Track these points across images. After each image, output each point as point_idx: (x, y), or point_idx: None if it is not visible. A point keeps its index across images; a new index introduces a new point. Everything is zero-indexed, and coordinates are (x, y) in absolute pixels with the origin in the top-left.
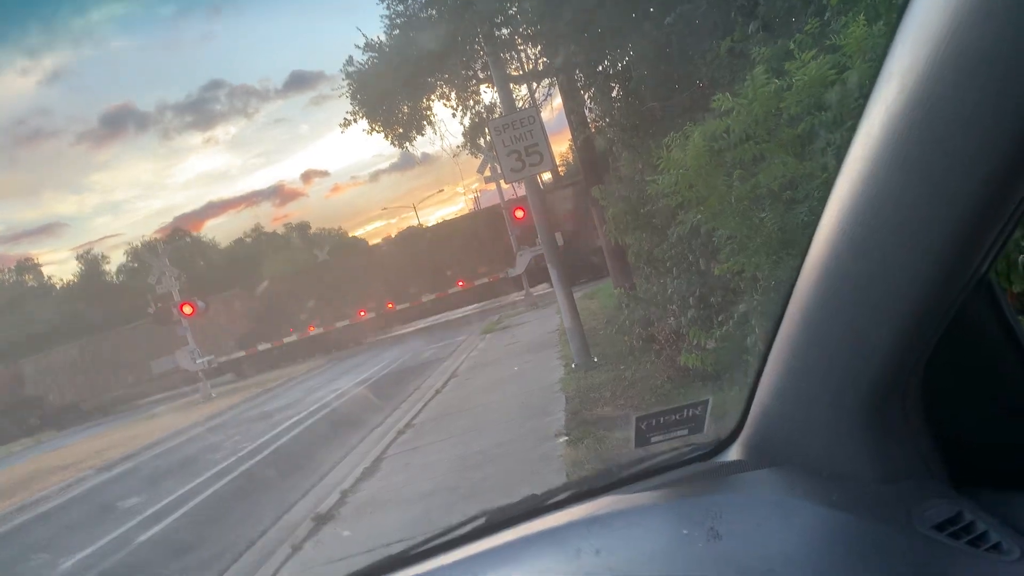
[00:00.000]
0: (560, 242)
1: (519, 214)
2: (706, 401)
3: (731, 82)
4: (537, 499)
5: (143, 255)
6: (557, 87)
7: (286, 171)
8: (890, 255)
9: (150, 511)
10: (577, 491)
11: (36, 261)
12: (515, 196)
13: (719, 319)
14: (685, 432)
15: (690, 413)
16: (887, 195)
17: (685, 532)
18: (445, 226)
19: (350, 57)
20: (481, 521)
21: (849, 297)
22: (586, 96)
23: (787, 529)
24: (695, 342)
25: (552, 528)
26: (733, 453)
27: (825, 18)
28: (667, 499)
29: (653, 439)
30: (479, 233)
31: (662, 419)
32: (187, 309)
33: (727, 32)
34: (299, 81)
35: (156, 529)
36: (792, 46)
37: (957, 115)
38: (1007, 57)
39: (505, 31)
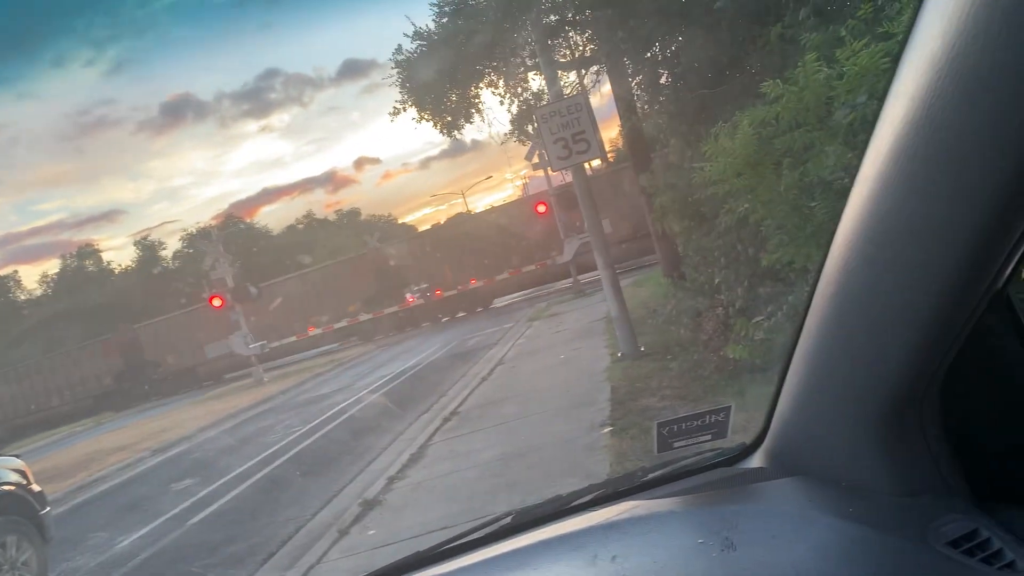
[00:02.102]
0: (608, 229)
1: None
2: (729, 407)
3: (781, 68)
4: (562, 500)
5: (197, 241)
6: (606, 73)
7: (339, 158)
8: (901, 273)
9: (201, 494)
10: (601, 494)
11: (96, 247)
12: (564, 182)
13: (768, 310)
14: (708, 437)
15: (713, 419)
16: (896, 214)
17: (700, 541)
18: (493, 212)
19: (399, 46)
20: (507, 521)
21: (864, 312)
22: (634, 83)
23: (802, 541)
24: (743, 333)
25: (573, 532)
26: (756, 460)
27: (879, 3)
28: (686, 506)
29: (676, 444)
30: (527, 220)
31: (684, 424)
32: (240, 294)
33: (778, 17)
34: (352, 69)
35: (207, 512)
36: (844, 33)
37: (960, 138)
38: (1007, 83)
39: (553, 17)
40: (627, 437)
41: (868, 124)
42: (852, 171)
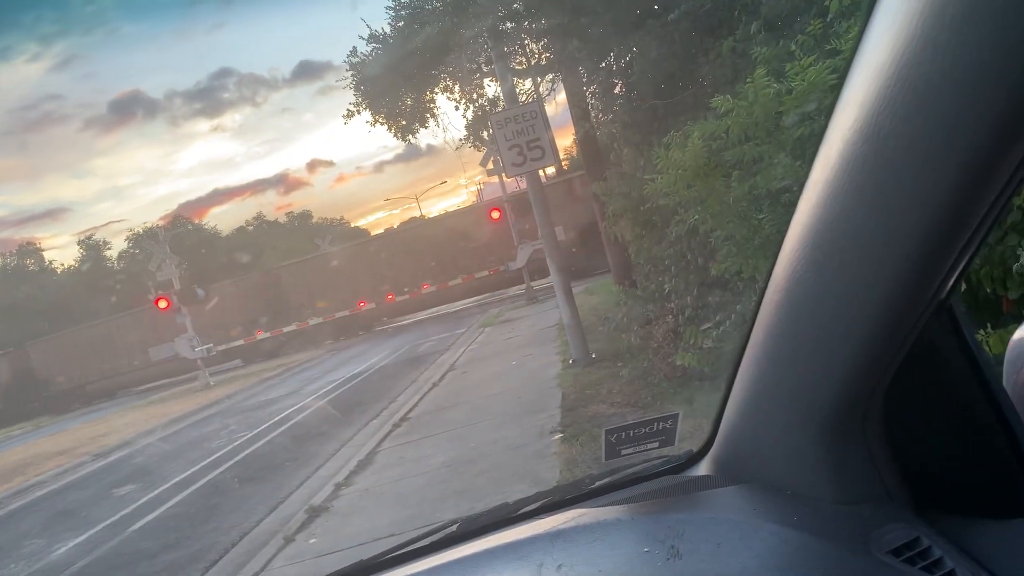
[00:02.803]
0: (562, 236)
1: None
2: (676, 415)
3: (733, 81)
4: (508, 508)
5: (144, 242)
6: (561, 81)
7: (292, 160)
8: (847, 279)
9: (143, 500)
10: (548, 501)
11: (38, 246)
12: (519, 188)
13: (717, 319)
14: (656, 445)
15: (660, 426)
16: (844, 221)
17: (646, 550)
18: (447, 218)
19: (354, 48)
20: (453, 529)
21: (809, 320)
22: (588, 91)
23: (746, 549)
24: (692, 341)
25: (519, 540)
26: (703, 468)
27: (828, 20)
28: (632, 514)
29: (624, 451)
30: (481, 225)
31: (632, 432)
32: (187, 296)
33: (730, 31)
34: (307, 71)
35: (150, 517)
36: (794, 48)
37: (909, 147)
38: (955, 92)
39: (509, 25)
40: (577, 444)
41: (817, 134)
42: (801, 181)
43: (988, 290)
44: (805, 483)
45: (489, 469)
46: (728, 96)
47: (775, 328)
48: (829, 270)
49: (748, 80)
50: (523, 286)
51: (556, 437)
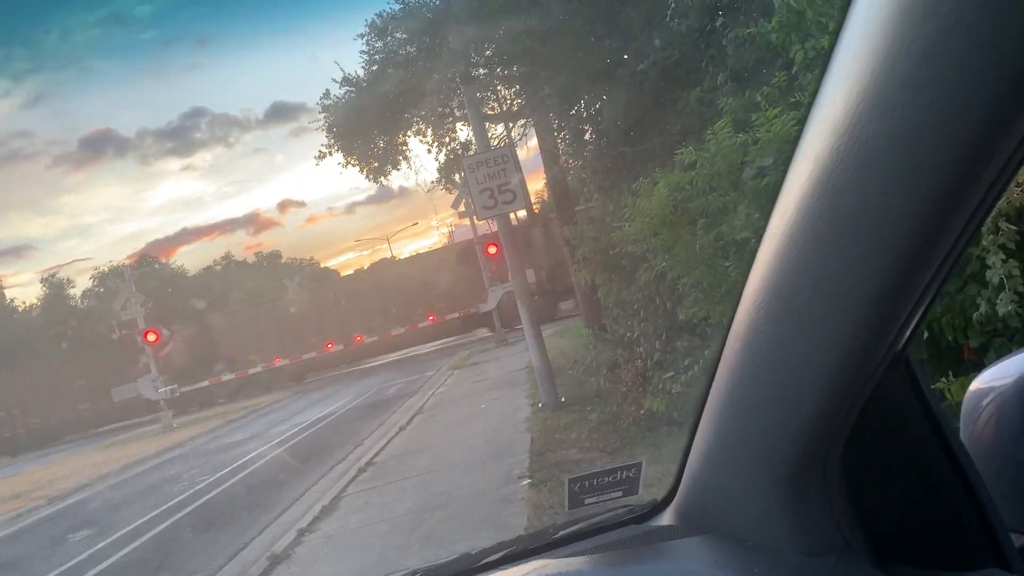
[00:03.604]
0: (532, 279)
1: (492, 250)
2: (639, 464)
3: (701, 130)
4: (470, 559)
5: (109, 280)
6: (533, 127)
7: (263, 200)
8: (804, 332)
9: (100, 545)
10: (510, 552)
11: (0, 284)
12: (490, 231)
13: (685, 363)
14: (619, 494)
15: (624, 475)
16: (801, 273)
17: None
18: (418, 259)
19: (327, 91)
20: None
21: (767, 371)
22: (559, 137)
23: None
24: (661, 386)
25: None
26: (666, 517)
27: (793, 71)
28: (595, 565)
29: (587, 501)
30: (451, 267)
31: (596, 480)
32: (151, 337)
33: (697, 81)
34: (280, 112)
35: (105, 565)
36: (759, 98)
37: (862, 202)
38: (905, 151)
39: (482, 71)
40: (545, 489)
41: (775, 186)
42: (759, 233)
43: (950, 338)
44: (766, 534)
45: (456, 515)
46: (691, 148)
47: (735, 378)
48: (786, 322)
49: (710, 133)
50: (494, 328)
51: (524, 483)
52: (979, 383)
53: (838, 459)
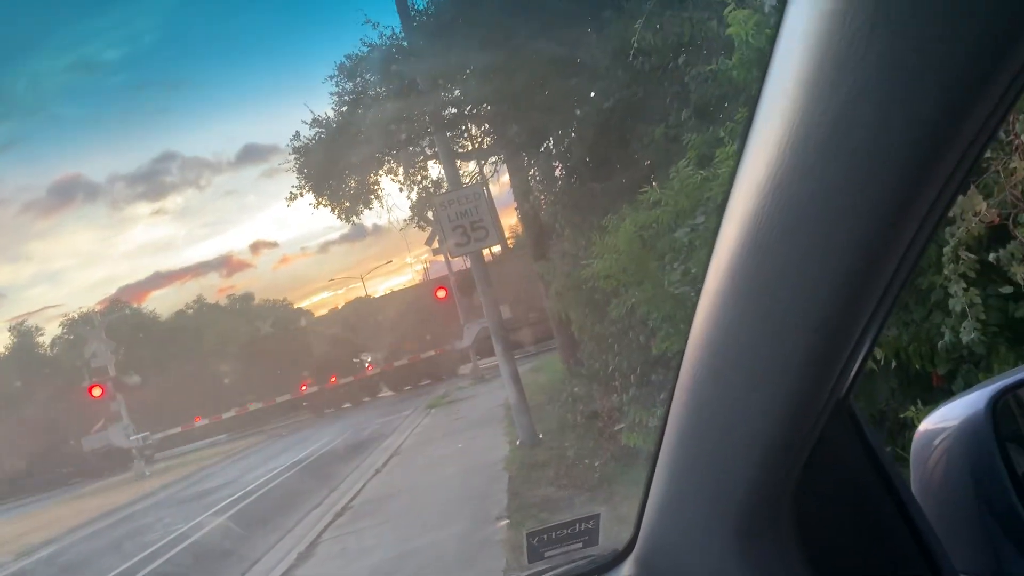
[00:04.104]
0: (508, 314)
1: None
2: (597, 515)
3: (667, 165)
4: None
5: (78, 327)
6: (504, 163)
7: (235, 242)
8: (743, 386)
9: None
10: None
11: None
12: (464, 268)
13: (661, 397)
14: (579, 545)
15: (583, 527)
16: (736, 329)
17: None
18: (392, 297)
19: (296, 132)
20: None
21: (713, 424)
22: (530, 174)
23: None
24: (637, 420)
25: None
26: (627, 568)
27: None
28: None
29: (547, 554)
30: (427, 305)
31: (554, 533)
32: (122, 384)
33: (663, 118)
34: (252, 153)
35: None
36: (723, 134)
37: (786, 263)
38: (824, 213)
39: (451, 110)
40: (523, 530)
41: (708, 243)
42: (698, 285)
43: (917, 366)
44: None
45: (433, 560)
46: (655, 186)
47: (683, 431)
48: (726, 377)
49: (673, 170)
50: (470, 365)
51: (502, 523)
52: (928, 424)
53: (789, 508)
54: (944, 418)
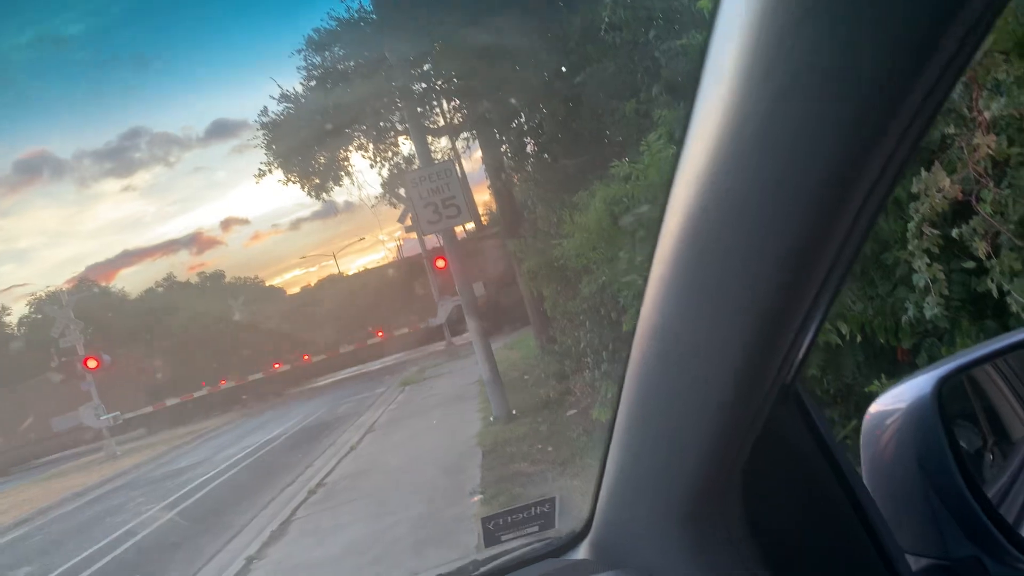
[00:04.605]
0: (481, 292)
1: (440, 264)
2: (553, 499)
3: (638, 141)
4: None
5: (46, 307)
6: (477, 140)
7: (205, 219)
8: (689, 374)
9: None
10: None
11: None
12: (438, 244)
13: None
14: (536, 529)
15: (538, 510)
16: (679, 316)
17: None
18: (365, 275)
19: (264, 108)
20: None
21: (660, 410)
22: (502, 150)
23: None
24: (608, 395)
25: None
26: (582, 551)
27: None
28: None
29: (503, 538)
30: (400, 282)
31: (510, 518)
32: (91, 363)
33: (634, 92)
34: (222, 129)
35: None
36: None
37: (726, 254)
38: (760, 205)
39: (421, 85)
40: (496, 504)
41: (653, 233)
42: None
43: (882, 341)
44: (672, 568)
45: (407, 535)
46: (626, 161)
47: (632, 417)
48: (671, 364)
49: (644, 145)
50: (444, 342)
51: (476, 499)
52: (877, 406)
53: (737, 493)
54: (893, 400)
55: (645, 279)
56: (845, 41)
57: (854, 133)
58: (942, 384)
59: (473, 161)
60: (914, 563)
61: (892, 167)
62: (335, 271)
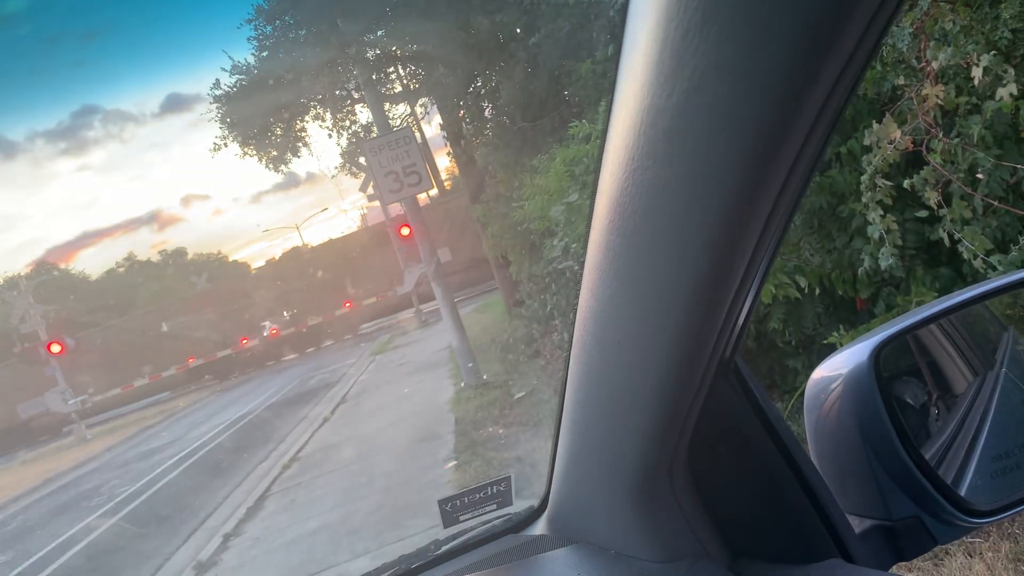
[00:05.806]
0: (448, 257)
1: (404, 232)
2: (508, 477)
3: (597, 101)
4: None
5: (4, 292)
6: (435, 105)
7: (165, 196)
8: (627, 353)
9: (19, 569)
10: (394, 572)
11: None
12: (402, 212)
13: None
14: (494, 507)
15: (495, 489)
16: (614, 300)
17: None
18: (330, 246)
19: (217, 80)
20: None
21: (602, 387)
22: (461, 115)
23: None
24: None
25: None
26: (540, 526)
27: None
28: None
29: (462, 518)
30: (366, 252)
31: (467, 498)
32: (55, 348)
33: (590, 52)
34: (176, 103)
35: None
36: None
37: (652, 241)
38: (677, 197)
39: (376, 51)
40: (471, 469)
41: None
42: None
43: (841, 292)
44: (624, 543)
45: (383, 505)
46: (584, 121)
47: (578, 393)
48: (609, 343)
49: (602, 105)
50: (413, 310)
51: (450, 465)
52: (819, 373)
53: (684, 466)
54: (833, 367)
55: (582, 264)
56: (746, 41)
57: (762, 131)
58: (879, 351)
59: (434, 127)
60: (858, 524)
61: (807, 154)
62: (299, 243)
